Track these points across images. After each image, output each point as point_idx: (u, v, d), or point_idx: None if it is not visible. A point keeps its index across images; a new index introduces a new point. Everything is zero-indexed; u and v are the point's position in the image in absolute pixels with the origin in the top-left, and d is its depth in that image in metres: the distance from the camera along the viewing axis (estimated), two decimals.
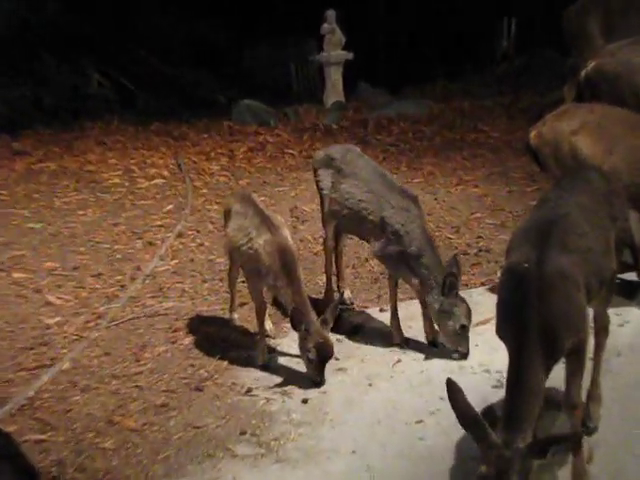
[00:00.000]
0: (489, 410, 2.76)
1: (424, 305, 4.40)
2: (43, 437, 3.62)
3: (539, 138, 4.83)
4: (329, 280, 5.01)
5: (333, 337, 4.30)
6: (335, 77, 12.70)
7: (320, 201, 4.89)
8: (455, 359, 4.19)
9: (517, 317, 2.79)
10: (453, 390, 2.71)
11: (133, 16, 13.28)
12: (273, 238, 4.10)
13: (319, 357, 3.95)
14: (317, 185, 4.87)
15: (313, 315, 3.99)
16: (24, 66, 11.91)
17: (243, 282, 4.94)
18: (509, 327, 2.85)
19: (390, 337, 4.48)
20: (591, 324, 3.27)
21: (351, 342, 4.53)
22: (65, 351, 4.47)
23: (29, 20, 12.36)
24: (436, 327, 4.33)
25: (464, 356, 4.19)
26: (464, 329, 4.17)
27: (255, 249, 4.13)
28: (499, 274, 4.47)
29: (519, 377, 2.72)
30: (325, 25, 12.68)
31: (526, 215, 4.38)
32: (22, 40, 12.09)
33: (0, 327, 4.80)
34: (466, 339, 4.19)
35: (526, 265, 2.84)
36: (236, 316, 4.81)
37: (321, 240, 5.89)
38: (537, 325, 2.73)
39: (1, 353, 4.46)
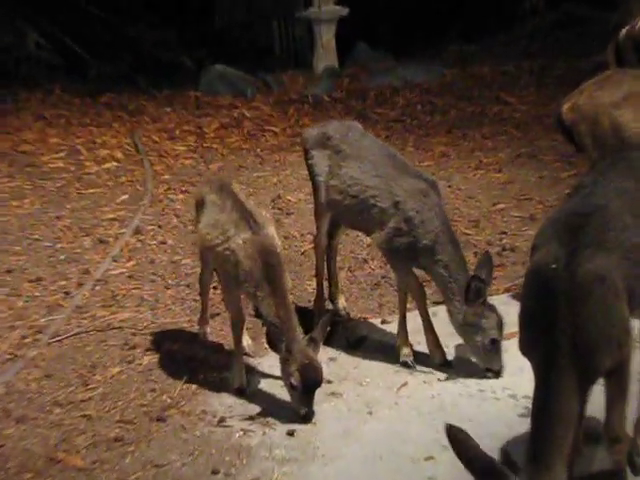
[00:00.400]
0: (504, 453, 2.75)
1: (425, 316, 4.45)
2: None
3: (574, 112, 4.86)
4: (320, 286, 5.03)
5: (324, 356, 4.32)
6: (327, 37, 12.71)
7: (313, 189, 4.90)
8: (490, 378, 4.24)
9: (544, 330, 2.81)
10: (457, 439, 2.67)
11: None
12: (255, 237, 4.11)
13: (304, 383, 3.91)
14: (309, 170, 4.88)
15: (298, 332, 3.98)
16: None
17: (216, 288, 4.96)
18: (534, 342, 2.88)
19: (394, 354, 4.51)
20: (636, 338, 3.29)
21: (347, 361, 4.55)
22: None
23: None
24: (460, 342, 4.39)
25: (497, 374, 4.25)
26: (495, 344, 4.22)
27: (232, 250, 4.13)
28: None
29: (546, 403, 2.74)
30: None
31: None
32: None
33: None
34: (498, 355, 4.25)
35: (554, 266, 2.86)
36: (207, 330, 4.82)
37: (310, 237, 5.93)
38: (568, 339, 2.75)
39: None
